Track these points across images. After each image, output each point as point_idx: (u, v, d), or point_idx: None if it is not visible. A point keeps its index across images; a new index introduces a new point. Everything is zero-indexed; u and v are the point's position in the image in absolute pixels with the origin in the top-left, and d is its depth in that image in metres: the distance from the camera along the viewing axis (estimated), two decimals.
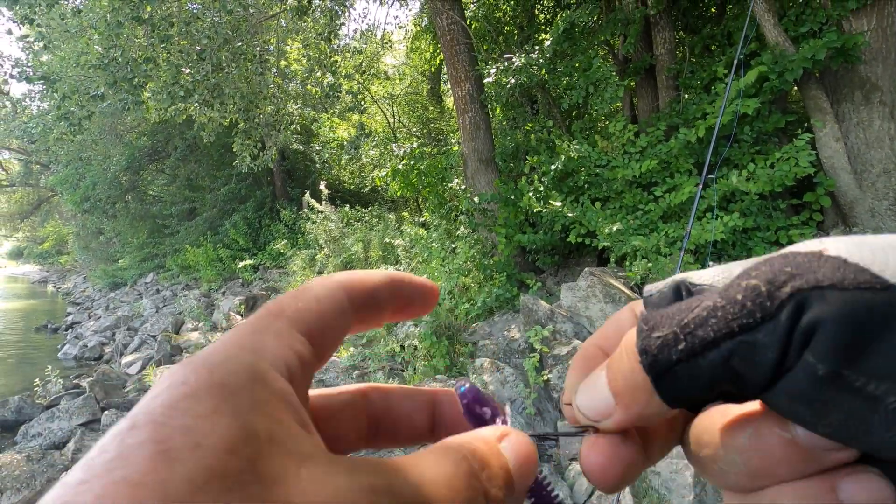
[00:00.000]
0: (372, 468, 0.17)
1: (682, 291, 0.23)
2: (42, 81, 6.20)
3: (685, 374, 0.20)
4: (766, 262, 0.19)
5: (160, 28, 5.56)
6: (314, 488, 0.15)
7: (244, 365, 0.17)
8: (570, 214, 4.45)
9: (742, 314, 0.19)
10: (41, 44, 6.15)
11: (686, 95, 5.36)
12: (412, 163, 5.91)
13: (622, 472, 0.23)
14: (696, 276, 0.23)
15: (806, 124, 4.37)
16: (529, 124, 5.96)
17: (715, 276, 0.22)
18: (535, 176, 5.07)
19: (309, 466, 0.16)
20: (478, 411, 0.24)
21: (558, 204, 4.39)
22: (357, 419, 0.26)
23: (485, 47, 6.76)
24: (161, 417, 0.15)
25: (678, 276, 0.23)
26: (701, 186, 2.42)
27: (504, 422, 0.24)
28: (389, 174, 6.07)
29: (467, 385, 0.25)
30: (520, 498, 0.22)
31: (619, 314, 0.27)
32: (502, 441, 0.21)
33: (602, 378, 0.23)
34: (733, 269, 0.21)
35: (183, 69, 5.90)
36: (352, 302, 0.23)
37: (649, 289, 0.24)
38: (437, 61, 9.34)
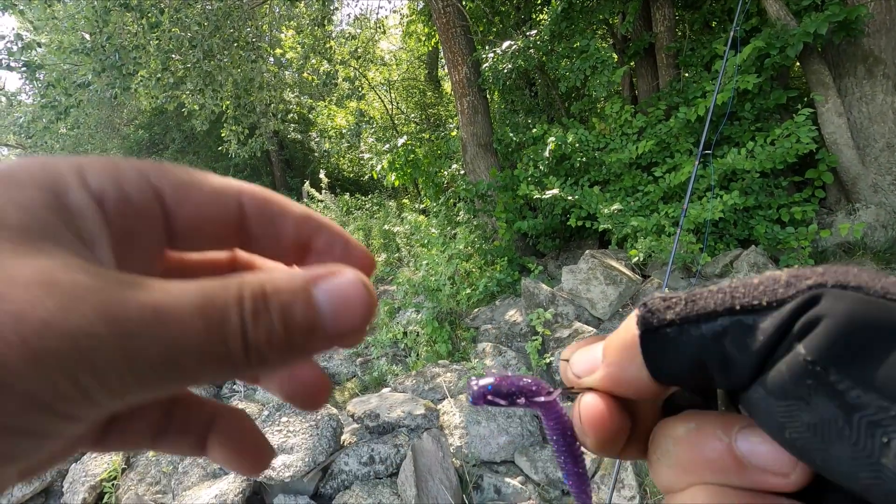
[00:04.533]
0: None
1: None
2: (25, 69, 6.12)
3: (674, 340, 0.19)
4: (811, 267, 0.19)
5: (150, 15, 5.47)
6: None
7: (46, 171, 0.17)
8: (568, 198, 4.42)
9: (750, 294, 0.18)
10: (27, 33, 6.05)
11: (686, 74, 5.28)
12: (405, 156, 5.84)
13: (611, 430, 0.22)
14: None
15: (806, 99, 4.31)
16: (521, 123, 5.82)
17: None
18: (531, 163, 5.01)
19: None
20: (514, 391, 0.23)
21: (555, 191, 4.36)
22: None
23: (481, 29, 6.65)
24: None
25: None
26: (697, 165, 2.39)
27: (549, 393, 0.23)
28: (385, 166, 6.02)
29: (494, 379, 0.23)
30: (331, 342, 0.17)
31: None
32: (319, 282, 0.16)
33: (603, 341, 0.23)
34: None
35: (173, 56, 5.82)
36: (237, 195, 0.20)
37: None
38: (434, 42, 9.20)
